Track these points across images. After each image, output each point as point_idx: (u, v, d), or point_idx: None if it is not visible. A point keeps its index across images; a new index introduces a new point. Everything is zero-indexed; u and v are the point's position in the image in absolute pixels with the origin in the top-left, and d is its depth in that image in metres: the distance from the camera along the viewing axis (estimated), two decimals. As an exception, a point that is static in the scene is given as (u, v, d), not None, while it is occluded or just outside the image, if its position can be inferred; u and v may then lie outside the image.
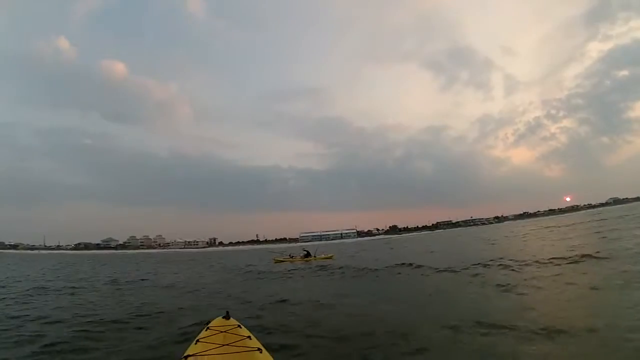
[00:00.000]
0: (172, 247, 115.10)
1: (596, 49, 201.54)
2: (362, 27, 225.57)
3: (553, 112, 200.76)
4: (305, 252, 22.07)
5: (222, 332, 2.89)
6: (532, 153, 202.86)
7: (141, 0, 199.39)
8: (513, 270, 8.90)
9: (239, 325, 3.07)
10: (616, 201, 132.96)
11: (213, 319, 3.28)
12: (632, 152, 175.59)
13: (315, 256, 21.55)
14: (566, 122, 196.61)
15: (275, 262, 21.38)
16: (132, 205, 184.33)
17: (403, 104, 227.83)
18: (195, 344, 2.68)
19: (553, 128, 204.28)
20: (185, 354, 2.48)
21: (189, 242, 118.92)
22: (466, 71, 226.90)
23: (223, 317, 3.26)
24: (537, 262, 9.79)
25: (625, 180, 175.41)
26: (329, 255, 22.62)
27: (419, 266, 11.76)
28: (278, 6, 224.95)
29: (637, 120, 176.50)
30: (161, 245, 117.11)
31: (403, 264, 12.77)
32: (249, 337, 2.82)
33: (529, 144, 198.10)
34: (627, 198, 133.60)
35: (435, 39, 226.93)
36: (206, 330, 2.96)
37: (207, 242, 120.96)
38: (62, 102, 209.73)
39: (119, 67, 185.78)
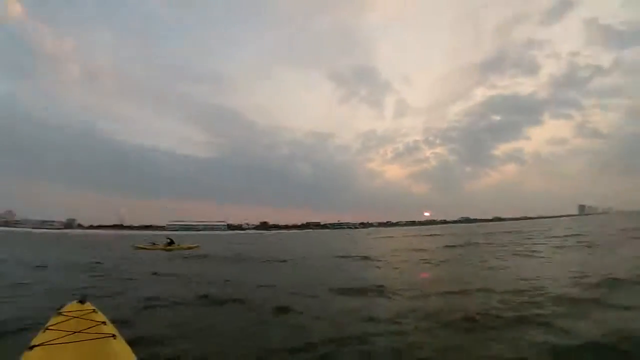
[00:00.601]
0: (22, 225, 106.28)
1: (481, 93, 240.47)
2: (286, 30, 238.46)
3: (431, 138, 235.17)
4: (169, 240, 22.05)
5: (74, 317, 2.74)
6: (404, 171, 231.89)
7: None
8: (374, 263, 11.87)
9: (94, 310, 2.94)
10: (466, 220, 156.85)
11: (66, 304, 3.08)
12: (488, 182, 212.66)
13: (179, 244, 21.70)
14: (439, 149, 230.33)
15: (136, 249, 21.03)
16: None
17: (301, 107, 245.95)
18: (44, 332, 2.47)
19: (428, 152, 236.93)
20: (31, 344, 2.27)
21: (44, 221, 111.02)
22: (366, 89, 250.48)
23: (78, 302, 3.10)
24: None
25: (477, 204, 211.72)
26: (194, 245, 22.72)
27: (290, 259, 13.53)
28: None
29: (498, 158, 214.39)
30: (10, 223, 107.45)
31: (281, 259, 13.79)
32: (103, 322, 2.69)
33: (403, 163, 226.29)
34: (475, 219, 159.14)
35: (348, 54, 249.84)
36: (57, 316, 2.77)
37: (64, 224, 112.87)
38: None
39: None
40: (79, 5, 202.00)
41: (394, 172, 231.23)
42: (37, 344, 2.26)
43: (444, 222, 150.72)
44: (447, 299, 5.76)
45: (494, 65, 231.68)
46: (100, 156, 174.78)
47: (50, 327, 2.52)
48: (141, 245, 21.98)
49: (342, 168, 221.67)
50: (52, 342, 2.29)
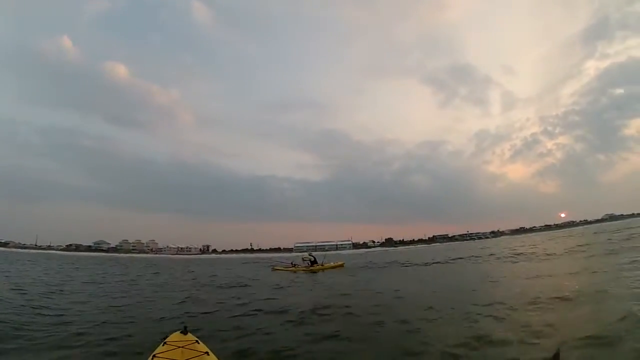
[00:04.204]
0: (164, 252, 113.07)
1: (593, 66, 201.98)
2: (366, 41, 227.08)
3: (550, 128, 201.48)
4: (312, 259, 20.19)
5: (179, 347, 2.80)
6: (528, 169, 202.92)
7: (148, 6, 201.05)
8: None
9: (196, 341, 3.00)
10: (612, 217, 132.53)
11: (170, 334, 3.18)
12: (627, 169, 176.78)
13: (322, 264, 19.75)
14: (562, 139, 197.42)
15: (274, 271, 20.00)
16: (126, 208, 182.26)
17: (402, 118, 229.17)
18: (152, 359, 2.59)
19: (549, 144, 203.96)
20: None
21: (182, 248, 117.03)
22: (465, 87, 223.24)
23: (181, 332, 3.15)
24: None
25: (621, 197, 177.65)
26: (339, 263, 20.85)
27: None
28: (283, 17, 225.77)
29: (633, 138, 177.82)
30: (154, 250, 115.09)
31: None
32: (206, 352, 2.75)
33: (525, 160, 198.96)
34: (622, 214, 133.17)
35: (438, 55, 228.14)
36: (163, 345, 2.85)
37: (201, 249, 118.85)
38: (64, 102, 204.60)
39: (122, 70, 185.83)
40: (176, 59, 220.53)
41: (517, 172, 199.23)
42: None
43: (586, 222, 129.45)
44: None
45: (596, 31, 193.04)
46: (225, 189, 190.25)
47: (157, 355, 2.62)
48: (279, 267, 20.71)
49: (459, 175, 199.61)
50: None
